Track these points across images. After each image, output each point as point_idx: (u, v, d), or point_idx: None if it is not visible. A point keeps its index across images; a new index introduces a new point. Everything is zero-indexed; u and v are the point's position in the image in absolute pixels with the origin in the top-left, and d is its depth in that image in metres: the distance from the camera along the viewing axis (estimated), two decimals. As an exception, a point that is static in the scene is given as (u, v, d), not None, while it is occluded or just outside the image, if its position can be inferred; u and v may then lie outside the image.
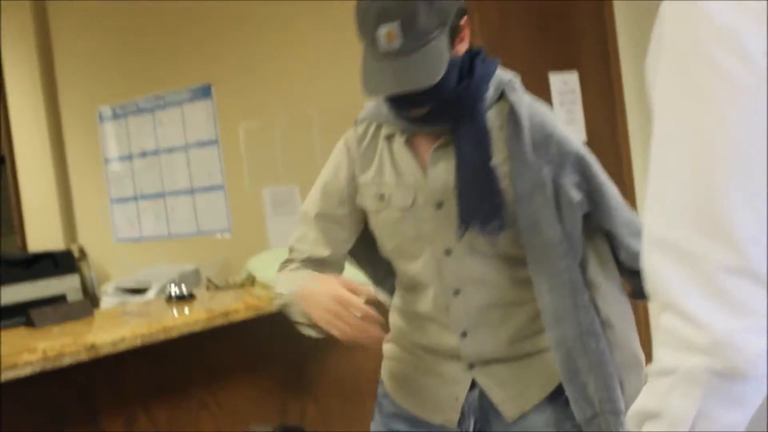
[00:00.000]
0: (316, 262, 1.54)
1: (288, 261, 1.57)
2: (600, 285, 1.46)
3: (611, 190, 1.47)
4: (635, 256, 1.44)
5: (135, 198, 3.88)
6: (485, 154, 1.42)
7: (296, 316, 1.46)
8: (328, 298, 1.37)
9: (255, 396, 2.42)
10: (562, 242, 1.42)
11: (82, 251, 3.72)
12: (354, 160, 1.54)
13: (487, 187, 1.41)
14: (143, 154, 3.85)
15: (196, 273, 3.46)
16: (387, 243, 1.54)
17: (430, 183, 1.46)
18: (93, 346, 1.99)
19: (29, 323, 2.24)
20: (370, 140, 1.54)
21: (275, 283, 1.56)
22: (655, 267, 0.74)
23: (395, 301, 1.62)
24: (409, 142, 1.50)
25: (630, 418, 0.77)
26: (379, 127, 1.53)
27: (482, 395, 1.52)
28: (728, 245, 0.70)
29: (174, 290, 2.49)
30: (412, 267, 1.52)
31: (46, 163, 4.32)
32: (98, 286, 3.60)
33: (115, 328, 2.19)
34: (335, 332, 1.38)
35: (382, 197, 1.51)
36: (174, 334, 2.13)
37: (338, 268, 1.56)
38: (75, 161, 4.24)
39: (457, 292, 1.48)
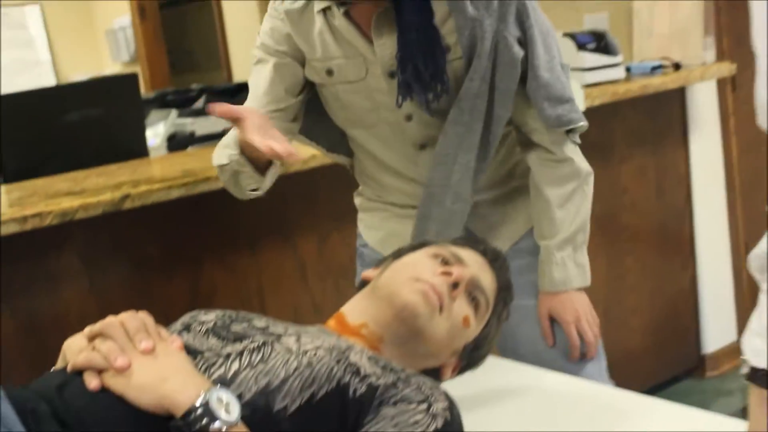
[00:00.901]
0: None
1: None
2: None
3: (541, 45, 1.45)
4: (545, 119, 1.47)
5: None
6: (427, 14, 1.38)
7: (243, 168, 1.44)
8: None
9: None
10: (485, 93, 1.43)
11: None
12: (295, 33, 1.49)
13: (431, 50, 1.39)
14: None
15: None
16: (338, 114, 1.55)
17: (378, 53, 1.44)
18: (284, 163, 1.97)
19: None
20: (304, 14, 1.48)
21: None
22: None
23: (355, 163, 1.66)
24: (348, 14, 1.44)
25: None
26: (309, 2, 1.47)
27: (467, 231, 1.57)
28: None
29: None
30: (370, 133, 1.54)
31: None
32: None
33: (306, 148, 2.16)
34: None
35: (330, 72, 1.49)
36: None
37: None
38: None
39: (423, 147, 1.51)
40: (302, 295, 2.24)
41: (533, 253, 1.57)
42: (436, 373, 1.25)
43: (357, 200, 1.74)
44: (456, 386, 1.25)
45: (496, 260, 1.34)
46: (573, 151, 1.54)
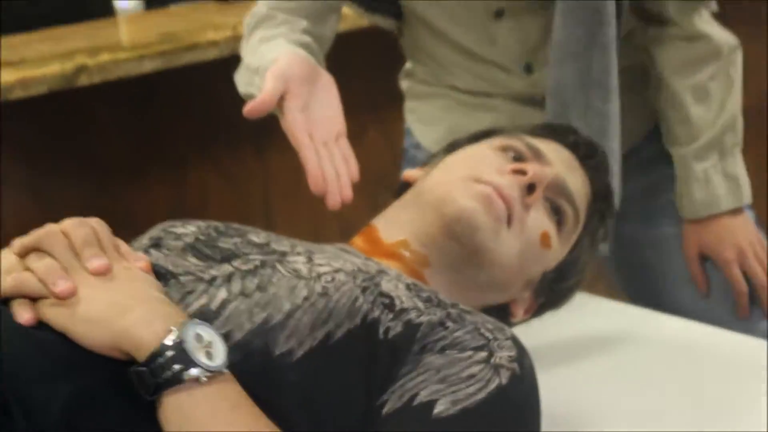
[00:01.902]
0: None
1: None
2: None
3: None
4: None
5: None
6: None
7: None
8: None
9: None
10: None
11: None
12: None
13: None
14: None
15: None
16: None
17: None
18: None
19: (219, -5, 2.27)
20: None
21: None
22: None
23: (406, 30, 1.64)
24: None
25: None
26: None
27: None
28: None
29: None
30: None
31: None
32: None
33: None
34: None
35: None
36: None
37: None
38: None
39: (499, 15, 1.51)
40: (325, 211, 2.22)
41: (661, 162, 1.58)
42: (503, 313, 1.25)
43: (405, 83, 1.74)
44: (530, 332, 1.23)
45: (591, 156, 1.32)
46: (709, 23, 1.52)
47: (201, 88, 2.03)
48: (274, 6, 1.46)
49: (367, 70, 2.19)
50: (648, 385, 1.32)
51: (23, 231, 1.90)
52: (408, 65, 1.72)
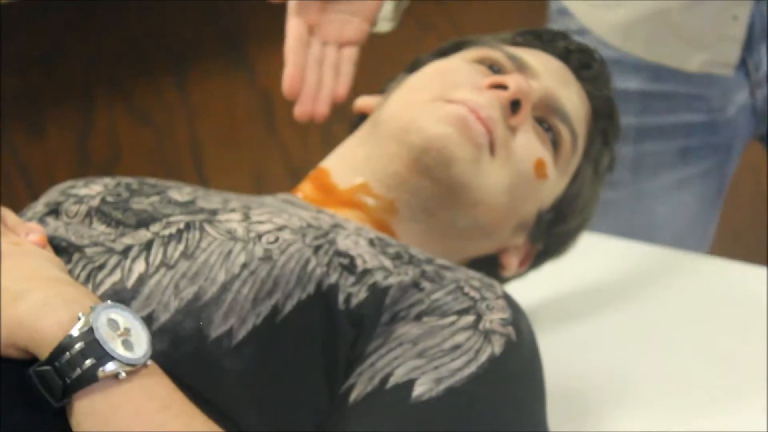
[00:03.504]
0: None
1: None
2: None
3: None
4: None
5: None
6: None
7: None
8: None
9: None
10: None
11: None
12: None
13: None
14: None
15: None
16: None
17: None
18: None
19: None
20: None
21: None
22: None
23: None
24: None
25: None
26: None
27: None
28: None
29: None
30: None
31: None
32: None
33: None
34: None
35: None
36: None
37: None
38: None
39: None
40: (269, 153, 2.23)
41: None
42: (491, 266, 1.25)
43: None
44: (527, 288, 1.24)
45: (587, 67, 1.32)
46: None
47: (109, 7, 2.01)
48: None
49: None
50: (668, 345, 1.35)
51: None
52: None
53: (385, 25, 1.45)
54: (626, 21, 1.61)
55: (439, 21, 2.42)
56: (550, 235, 1.29)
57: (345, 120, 2.15)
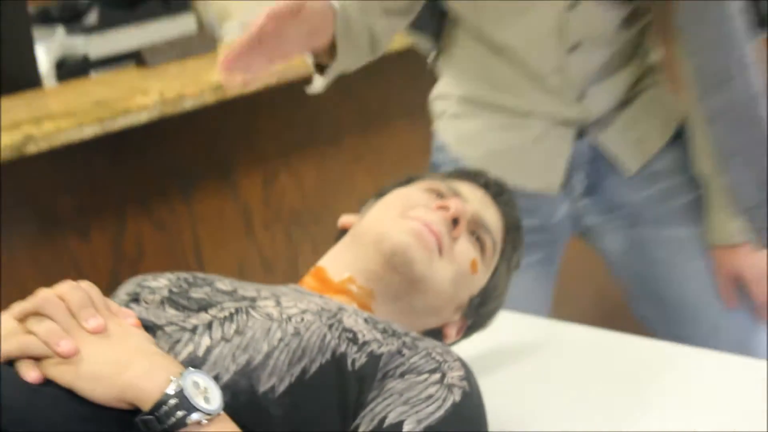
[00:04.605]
0: None
1: None
2: None
3: None
4: None
5: None
6: None
7: None
8: None
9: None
10: None
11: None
12: None
13: None
14: None
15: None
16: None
17: None
18: (219, 87, 1.94)
19: (140, 62, 2.24)
20: None
21: None
22: None
23: (453, 49, 1.59)
24: None
25: None
26: None
27: (593, 150, 1.55)
28: None
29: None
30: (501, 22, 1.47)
31: None
32: (220, 24, 3.54)
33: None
34: None
35: None
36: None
37: None
38: None
39: (574, 48, 1.47)
40: (248, 249, 2.22)
41: (675, 171, 1.56)
42: (437, 335, 1.26)
43: (439, 104, 1.65)
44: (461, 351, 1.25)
45: (500, 194, 1.34)
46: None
47: (134, 149, 2.02)
48: None
49: (274, 121, 2.20)
50: (561, 388, 1.36)
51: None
52: (442, 87, 1.65)
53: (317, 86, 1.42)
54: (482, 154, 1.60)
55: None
56: (477, 314, 1.30)
57: (302, 226, 2.17)
